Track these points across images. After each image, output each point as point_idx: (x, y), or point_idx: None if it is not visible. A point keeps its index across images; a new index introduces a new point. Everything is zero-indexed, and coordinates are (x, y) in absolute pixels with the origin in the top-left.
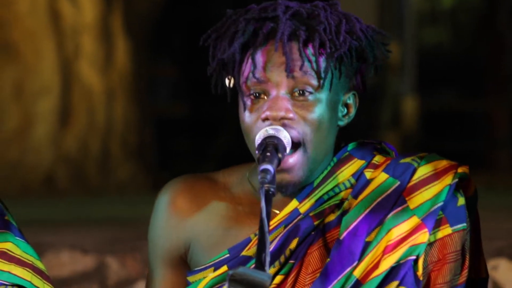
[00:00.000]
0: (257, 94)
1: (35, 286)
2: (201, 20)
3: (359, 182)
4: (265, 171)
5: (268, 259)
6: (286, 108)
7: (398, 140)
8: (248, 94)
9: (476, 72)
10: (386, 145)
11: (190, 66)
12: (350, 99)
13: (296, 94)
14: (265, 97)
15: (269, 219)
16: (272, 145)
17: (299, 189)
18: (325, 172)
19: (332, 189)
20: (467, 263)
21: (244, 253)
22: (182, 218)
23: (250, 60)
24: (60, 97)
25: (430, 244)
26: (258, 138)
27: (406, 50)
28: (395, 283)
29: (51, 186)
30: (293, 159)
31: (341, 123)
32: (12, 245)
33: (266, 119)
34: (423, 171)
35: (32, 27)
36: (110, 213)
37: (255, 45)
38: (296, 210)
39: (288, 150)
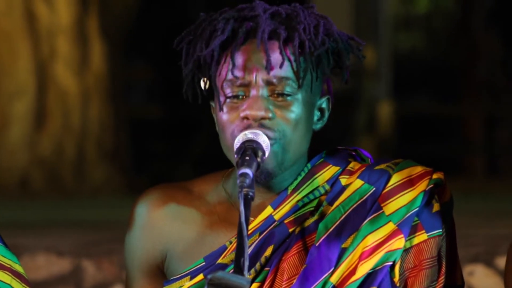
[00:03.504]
0: (236, 94)
1: None
2: (176, 23)
3: (334, 188)
4: (244, 175)
5: (246, 263)
6: (265, 108)
7: (374, 145)
8: (226, 94)
9: (451, 77)
10: (361, 152)
11: (165, 68)
12: (324, 103)
13: (275, 94)
14: (244, 97)
15: (247, 224)
16: (251, 149)
17: (273, 196)
18: (299, 179)
19: (306, 195)
20: (443, 269)
21: (220, 261)
22: (158, 228)
23: (229, 60)
24: (36, 99)
25: (406, 250)
26: (237, 142)
27: (381, 55)
28: None
29: (26, 188)
30: (267, 147)
31: (315, 127)
32: None
33: (245, 118)
34: (398, 177)
35: (8, 28)
36: (86, 216)
37: (234, 44)
38: (270, 217)
39: (267, 154)
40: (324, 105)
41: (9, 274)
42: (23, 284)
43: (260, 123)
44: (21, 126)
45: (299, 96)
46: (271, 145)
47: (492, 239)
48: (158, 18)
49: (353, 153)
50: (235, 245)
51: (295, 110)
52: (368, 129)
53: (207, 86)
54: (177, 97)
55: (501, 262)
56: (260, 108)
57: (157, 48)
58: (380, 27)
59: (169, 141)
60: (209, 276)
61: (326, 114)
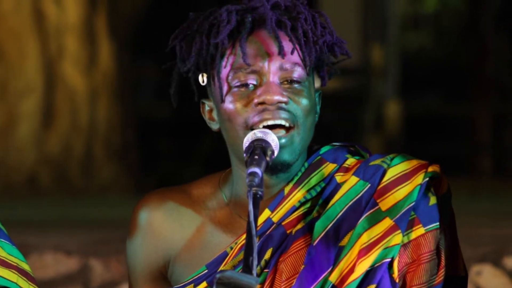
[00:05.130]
0: (245, 83)
1: (21, 287)
2: (184, 21)
3: (330, 186)
4: (253, 174)
5: (255, 262)
6: (281, 93)
7: (381, 143)
8: (233, 83)
9: (460, 76)
10: (359, 148)
11: (173, 67)
12: (317, 98)
13: (286, 81)
14: (255, 86)
15: (256, 223)
16: (260, 148)
17: (270, 198)
18: (296, 179)
19: (303, 195)
20: (443, 262)
21: (222, 267)
22: (159, 234)
23: (236, 50)
24: (44, 97)
25: (404, 246)
26: (246, 141)
27: (389, 54)
28: (372, 286)
29: (34, 187)
30: (288, 139)
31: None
32: None
33: (262, 103)
34: (393, 172)
35: (16, 27)
36: (94, 215)
37: (243, 33)
38: (269, 220)
39: (276, 153)
40: (317, 99)
41: (16, 272)
42: (30, 283)
43: (277, 107)
44: (29, 125)
45: (307, 84)
46: (288, 134)
47: (499, 239)
48: (166, 17)
49: (352, 149)
50: (236, 251)
51: (307, 96)
52: (375, 128)
53: (205, 81)
54: (185, 96)
55: (509, 262)
56: (277, 93)
57: (165, 46)
58: (388, 26)
59: (177, 140)
60: (217, 275)
61: (318, 109)
